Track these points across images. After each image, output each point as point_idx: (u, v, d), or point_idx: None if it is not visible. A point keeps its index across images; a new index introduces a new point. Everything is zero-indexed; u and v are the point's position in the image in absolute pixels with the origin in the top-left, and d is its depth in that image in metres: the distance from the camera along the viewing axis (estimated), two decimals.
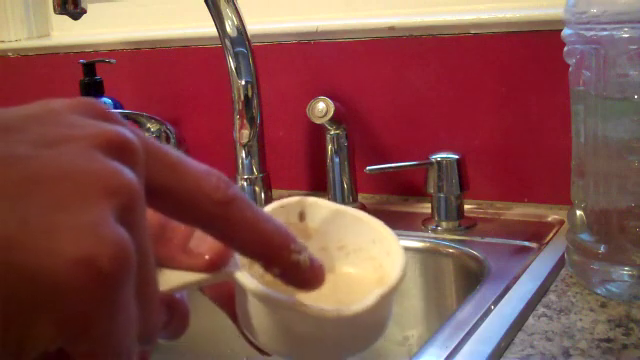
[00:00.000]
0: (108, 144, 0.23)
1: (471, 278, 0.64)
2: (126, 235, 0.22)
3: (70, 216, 0.21)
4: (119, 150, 0.24)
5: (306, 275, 0.28)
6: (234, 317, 0.33)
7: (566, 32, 0.56)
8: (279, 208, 0.34)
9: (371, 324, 0.31)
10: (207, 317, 0.83)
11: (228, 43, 0.79)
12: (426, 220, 0.75)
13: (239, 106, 0.81)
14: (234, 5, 0.77)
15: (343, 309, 0.28)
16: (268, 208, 0.33)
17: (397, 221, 0.77)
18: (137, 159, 0.24)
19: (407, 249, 0.71)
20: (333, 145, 0.78)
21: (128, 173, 0.23)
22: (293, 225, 0.34)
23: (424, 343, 0.49)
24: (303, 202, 0.34)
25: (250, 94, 0.81)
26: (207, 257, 0.29)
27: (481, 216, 0.76)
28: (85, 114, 0.24)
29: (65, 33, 1.12)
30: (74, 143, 0.23)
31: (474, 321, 0.52)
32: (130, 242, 0.22)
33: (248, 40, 0.79)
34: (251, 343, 0.33)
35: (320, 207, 0.35)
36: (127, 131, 0.25)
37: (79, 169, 0.22)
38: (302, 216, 0.34)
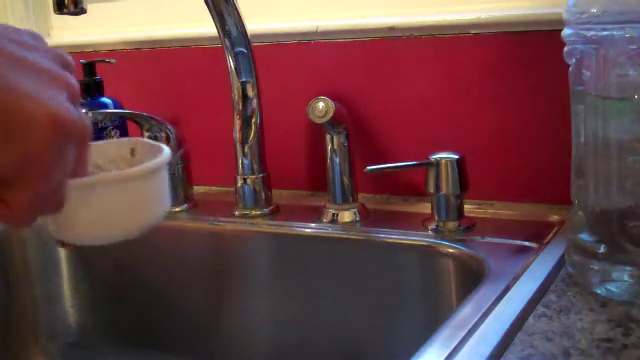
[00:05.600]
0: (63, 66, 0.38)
1: (471, 278, 0.64)
2: (79, 114, 0.36)
3: (49, 92, 0.35)
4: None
5: None
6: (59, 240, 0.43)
7: (566, 32, 0.56)
8: (115, 142, 0.45)
9: (152, 188, 0.42)
10: (205, 317, 0.83)
11: (228, 43, 0.79)
12: (426, 220, 0.75)
13: (239, 106, 0.81)
14: (234, 5, 0.77)
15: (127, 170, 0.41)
16: (103, 141, 0.45)
17: (397, 221, 0.77)
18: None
19: (407, 249, 0.71)
20: (333, 145, 0.78)
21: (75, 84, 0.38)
22: (126, 160, 0.45)
23: (424, 343, 0.49)
24: (134, 141, 0.46)
25: (250, 94, 0.81)
26: None
27: (481, 216, 0.76)
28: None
29: (65, 33, 1.12)
30: (41, 53, 0.37)
31: (474, 321, 0.52)
32: (81, 119, 0.36)
33: (248, 40, 0.79)
34: (65, 245, 0.43)
35: (146, 144, 0.45)
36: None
37: (49, 68, 0.37)
38: (133, 152, 0.45)
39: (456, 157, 0.72)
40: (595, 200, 0.55)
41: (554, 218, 0.73)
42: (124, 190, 0.41)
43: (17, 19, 1.11)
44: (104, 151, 0.44)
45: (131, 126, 0.90)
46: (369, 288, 0.74)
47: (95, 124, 0.87)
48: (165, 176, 0.44)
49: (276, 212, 0.83)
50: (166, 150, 0.44)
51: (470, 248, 0.68)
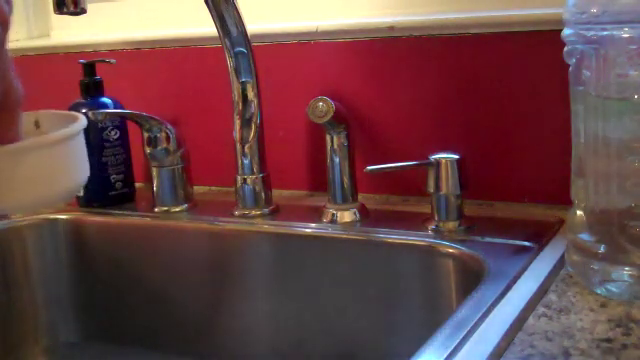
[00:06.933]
0: None
1: (471, 278, 0.64)
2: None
3: None
4: None
5: None
6: None
7: (566, 32, 0.56)
8: None
9: (79, 150, 0.43)
10: (205, 316, 0.83)
11: (228, 43, 0.79)
12: (426, 220, 0.75)
13: (239, 106, 0.81)
14: (234, 5, 0.77)
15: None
16: None
17: (397, 221, 0.77)
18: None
19: (407, 248, 0.71)
20: (333, 145, 0.78)
21: None
22: (31, 132, 0.45)
23: (424, 343, 0.49)
24: (37, 114, 0.46)
25: (250, 94, 0.81)
26: None
27: (481, 216, 0.76)
28: None
29: (65, 33, 1.12)
30: None
31: (474, 321, 0.52)
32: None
33: (248, 40, 0.79)
34: None
35: (50, 115, 0.46)
36: None
37: None
38: (37, 124, 0.46)
39: (456, 157, 0.72)
40: (595, 200, 0.55)
41: (554, 218, 0.73)
42: (56, 152, 0.42)
43: (17, 19, 1.11)
44: None
45: (131, 126, 0.90)
46: (369, 288, 0.74)
47: (95, 124, 0.87)
48: (84, 142, 0.45)
49: (276, 212, 0.83)
50: (82, 117, 0.45)
51: (470, 248, 0.68)
